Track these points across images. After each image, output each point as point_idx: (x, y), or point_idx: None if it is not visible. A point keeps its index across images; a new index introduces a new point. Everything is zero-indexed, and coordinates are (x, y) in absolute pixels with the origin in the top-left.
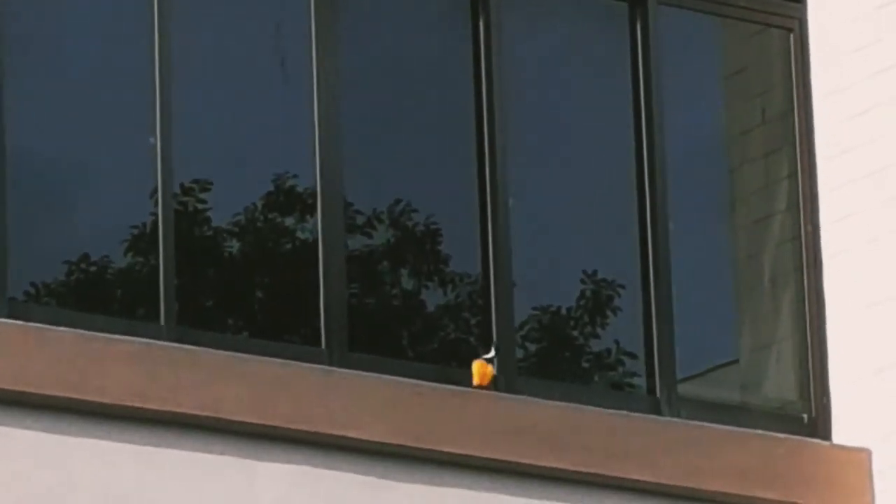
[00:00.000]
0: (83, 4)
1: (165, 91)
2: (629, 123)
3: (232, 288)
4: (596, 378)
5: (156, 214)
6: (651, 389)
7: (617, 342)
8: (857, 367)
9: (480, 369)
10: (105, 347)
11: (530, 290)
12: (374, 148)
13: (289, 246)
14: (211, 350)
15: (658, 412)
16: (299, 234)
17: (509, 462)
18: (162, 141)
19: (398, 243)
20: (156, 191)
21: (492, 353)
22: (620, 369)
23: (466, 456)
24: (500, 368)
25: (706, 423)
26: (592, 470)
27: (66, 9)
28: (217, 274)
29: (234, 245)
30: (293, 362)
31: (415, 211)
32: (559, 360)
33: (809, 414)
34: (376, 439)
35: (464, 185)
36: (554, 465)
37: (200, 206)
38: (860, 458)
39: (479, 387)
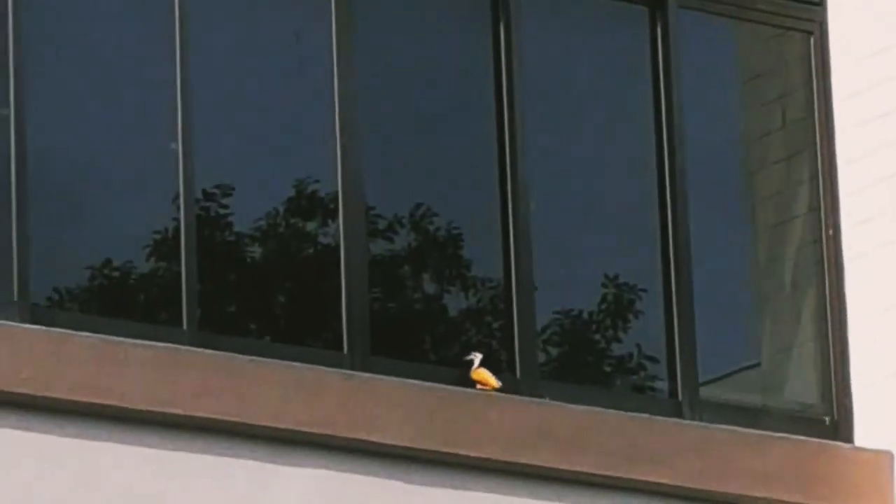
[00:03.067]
0: (105, 11)
1: (187, 97)
2: (650, 127)
3: (254, 292)
4: (618, 382)
5: (178, 220)
6: (673, 393)
7: (639, 346)
8: (878, 369)
9: (479, 377)
10: (127, 352)
11: (552, 293)
12: (395, 152)
13: (311, 251)
14: (233, 354)
15: (680, 415)
16: (321, 239)
17: (531, 465)
18: (184, 146)
19: (420, 247)
20: (178, 196)
21: (474, 360)
22: (642, 373)
23: (488, 459)
24: (522, 372)
25: (728, 427)
26: (614, 473)
27: (89, 16)
28: (239, 279)
29: (256, 250)
30: (315, 366)
31: (436, 215)
32: (581, 363)
33: (831, 416)
34: (398, 443)
35: (485, 189)
36: (576, 468)
37: (222, 212)
38: (882, 461)
39: (495, 389)
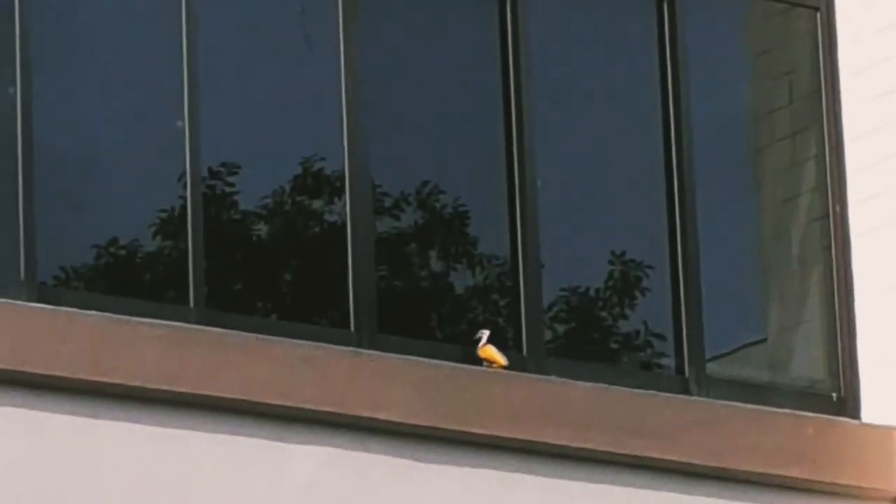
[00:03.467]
0: None
1: (193, 75)
2: (657, 104)
3: (260, 271)
4: (625, 359)
5: (184, 198)
6: (680, 369)
7: (645, 323)
8: (885, 345)
9: (485, 354)
10: (134, 331)
11: (558, 271)
12: (401, 130)
13: (317, 229)
14: (240, 333)
15: (687, 392)
16: (327, 217)
17: (539, 443)
18: (190, 124)
19: (426, 225)
20: (183, 175)
21: (482, 338)
22: (649, 349)
23: (495, 437)
24: (528, 349)
25: (735, 403)
26: (622, 450)
27: None
28: (246, 257)
29: (263, 228)
30: (322, 344)
31: (443, 193)
32: (588, 340)
33: (838, 393)
34: (405, 421)
35: (492, 167)
36: (583, 445)
37: (228, 190)
38: (889, 437)
39: (501, 366)
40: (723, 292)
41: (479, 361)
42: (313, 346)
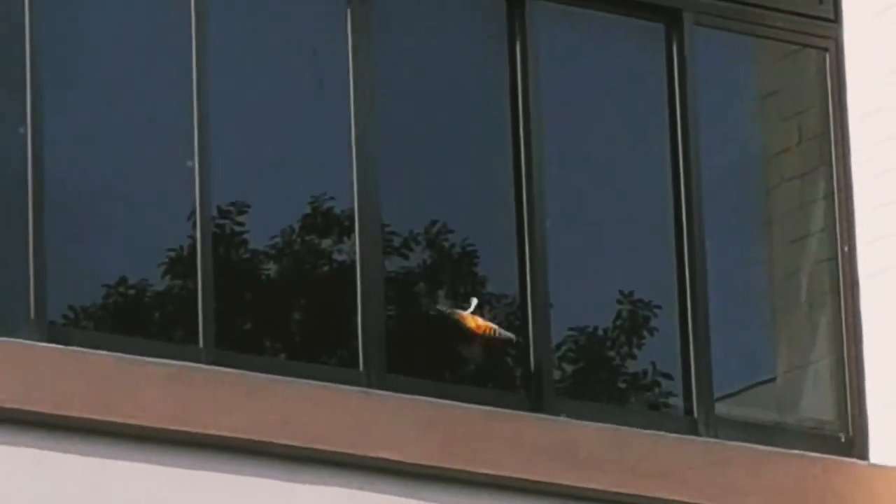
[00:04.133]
0: (122, 30)
1: (203, 114)
2: (666, 143)
3: (269, 310)
4: (633, 398)
5: (193, 237)
6: (688, 410)
7: (653, 363)
8: (894, 387)
9: (472, 322)
10: (143, 370)
11: (566, 310)
12: (410, 169)
13: (326, 268)
14: (249, 372)
15: (695, 432)
16: (336, 256)
17: (547, 483)
18: (200, 164)
19: (435, 265)
20: (192, 213)
21: (472, 306)
22: (657, 389)
23: (504, 477)
24: (537, 389)
25: (743, 444)
26: (630, 490)
27: (106, 34)
28: (254, 296)
29: (272, 267)
30: (331, 384)
31: (451, 232)
32: (596, 380)
33: (846, 433)
34: (415, 461)
35: (501, 207)
36: (592, 485)
37: (238, 229)
38: None
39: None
40: (731, 333)
41: (490, 402)
42: (322, 385)
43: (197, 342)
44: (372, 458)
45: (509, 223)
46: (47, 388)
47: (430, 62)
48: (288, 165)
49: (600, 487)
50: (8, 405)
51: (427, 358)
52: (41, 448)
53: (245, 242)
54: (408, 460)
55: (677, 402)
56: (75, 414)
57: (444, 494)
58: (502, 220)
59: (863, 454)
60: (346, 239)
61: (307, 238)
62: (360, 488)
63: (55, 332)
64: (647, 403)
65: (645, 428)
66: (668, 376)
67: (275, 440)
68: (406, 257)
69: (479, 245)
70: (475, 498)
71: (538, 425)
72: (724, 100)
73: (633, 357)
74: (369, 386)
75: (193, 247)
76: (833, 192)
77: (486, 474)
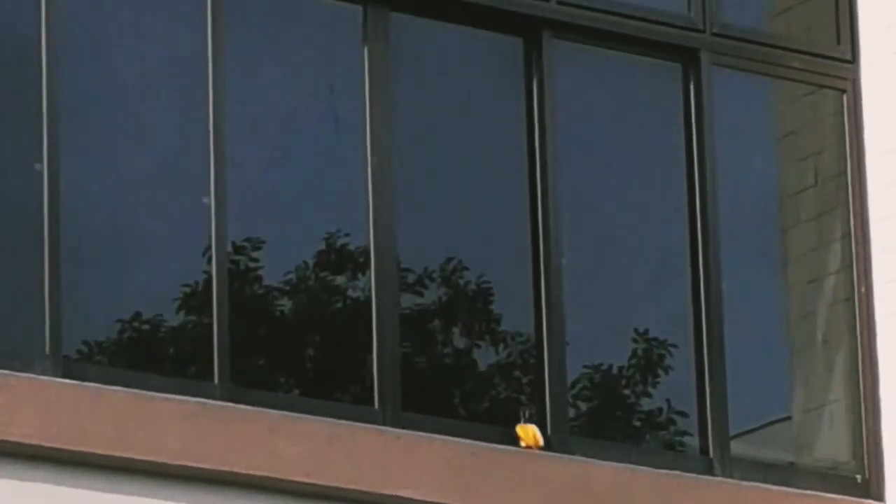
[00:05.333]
0: (138, 67)
1: (219, 151)
2: (682, 183)
3: (284, 347)
4: (648, 437)
5: (208, 273)
6: (704, 450)
7: (668, 401)
8: None
9: (524, 432)
10: (159, 406)
11: (581, 348)
12: (425, 207)
13: (340, 304)
14: (264, 409)
15: (711, 472)
16: (351, 293)
17: None
18: (216, 201)
19: (450, 302)
20: (208, 249)
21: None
22: (672, 428)
23: None
24: (552, 428)
25: (759, 484)
26: None
27: (122, 70)
28: (269, 333)
29: (287, 303)
30: (346, 421)
31: (466, 269)
32: (611, 419)
33: (863, 475)
34: (430, 499)
35: (516, 244)
36: None
37: (252, 265)
38: None
39: (535, 447)
40: (748, 373)
41: (502, 439)
42: (337, 423)
43: (212, 378)
44: (387, 495)
45: (525, 261)
46: (62, 424)
47: (447, 100)
48: (303, 202)
49: None
50: (23, 440)
51: (441, 396)
52: (56, 483)
53: (260, 279)
54: (423, 498)
55: (693, 441)
56: (90, 450)
57: None
58: (518, 258)
59: (879, 495)
60: (360, 276)
61: (321, 274)
62: None
63: (70, 368)
64: (663, 443)
65: (660, 467)
66: (683, 414)
67: (290, 477)
68: (421, 294)
69: (494, 282)
70: None
71: (553, 464)
72: (740, 140)
73: (649, 395)
74: (384, 423)
75: (208, 282)
76: (850, 233)
77: None
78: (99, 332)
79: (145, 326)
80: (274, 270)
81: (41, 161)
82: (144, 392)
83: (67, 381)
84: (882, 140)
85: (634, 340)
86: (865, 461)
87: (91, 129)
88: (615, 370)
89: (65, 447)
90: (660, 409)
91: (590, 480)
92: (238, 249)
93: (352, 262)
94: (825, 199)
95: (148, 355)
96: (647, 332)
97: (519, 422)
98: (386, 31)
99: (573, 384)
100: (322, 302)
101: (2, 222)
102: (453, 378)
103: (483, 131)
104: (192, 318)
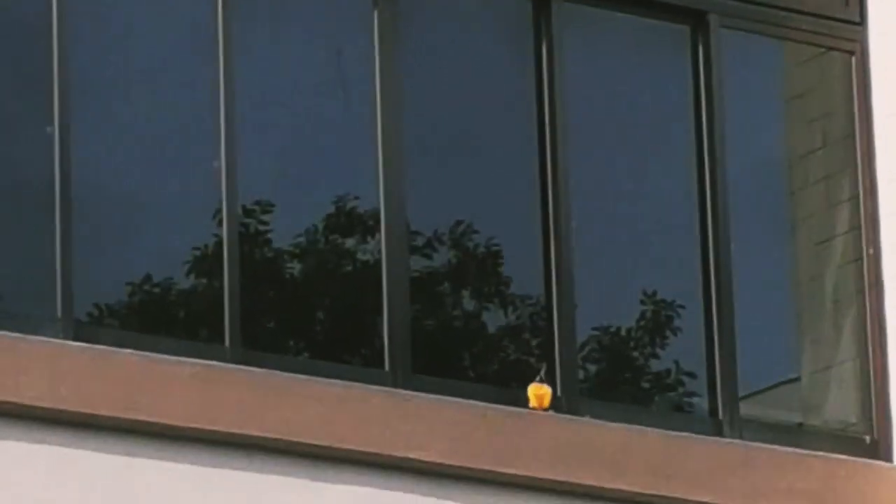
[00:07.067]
0: (148, 30)
1: (230, 115)
2: (691, 145)
3: (295, 309)
4: (657, 399)
5: (218, 236)
6: (713, 411)
7: (677, 363)
8: None
9: (536, 391)
10: (169, 369)
11: (590, 310)
12: (435, 170)
13: (350, 267)
14: (275, 372)
15: (720, 434)
16: (360, 256)
17: (571, 483)
18: (227, 164)
19: (460, 265)
20: (218, 213)
21: (540, 376)
22: (681, 389)
23: (528, 477)
24: (562, 389)
25: (768, 445)
26: (654, 491)
27: (132, 34)
28: (279, 295)
29: (296, 267)
30: (357, 384)
31: (476, 232)
32: (620, 381)
33: (871, 435)
34: (439, 461)
35: (526, 207)
36: (616, 486)
37: (262, 228)
38: None
39: (541, 409)
40: (756, 333)
41: (515, 402)
42: (348, 385)
43: (223, 341)
44: (397, 457)
45: (534, 223)
46: (73, 387)
47: (456, 63)
48: (313, 165)
49: (624, 488)
50: (34, 403)
51: (451, 358)
52: (66, 446)
53: (270, 242)
54: (433, 460)
55: (701, 402)
56: (101, 412)
57: (468, 494)
58: (527, 221)
59: (888, 456)
60: (370, 238)
61: (331, 237)
62: (385, 488)
63: (81, 330)
64: (671, 404)
65: (669, 429)
66: (692, 376)
67: (300, 439)
68: (431, 257)
69: (504, 245)
70: (499, 497)
71: (562, 426)
72: (749, 102)
73: (657, 357)
74: (395, 386)
75: (218, 246)
76: (858, 195)
77: (511, 474)
78: (110, 295)
79: (156, 289)
80: (284, 233)
81: (52, 124)
82: (155, 355)
83: (78, 343)
84: (890, 102)
85: (643, 302)
86: (874, 422)
87: (102, 92)
88: (624, 332)
89: (75, 409)
90: (668, 371)
91: (599, 442)
92: (248, 212)
93: (362, 224)
94: (833, 161)
95: (158, 318)
96: (655, 293)
97: (533, 381)
98: None
99: (582, 346)
100: (332, 265)
101: (13, 186)
102: (463, 340)
103: (492, 94)
104: (203, 281)
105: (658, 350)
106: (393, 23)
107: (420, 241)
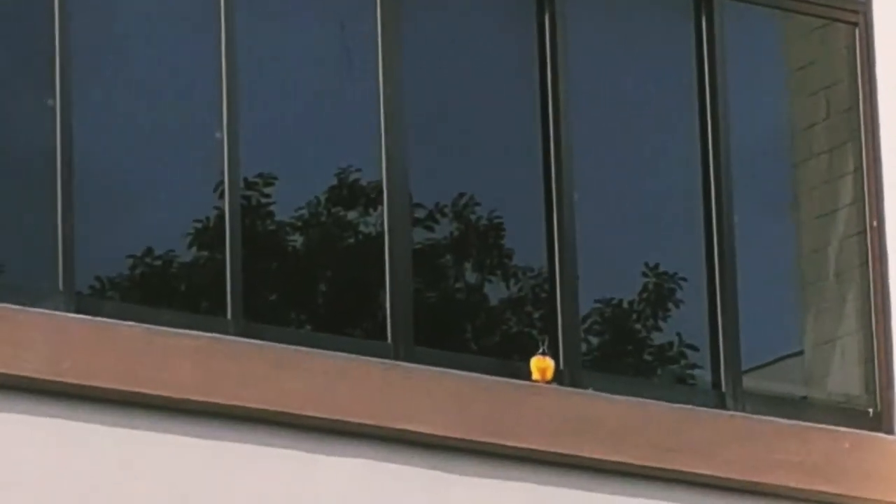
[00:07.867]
0: (149, 3)
1: (232, 87)
2: (694, 117)
3: (297, 282)
4: (660, 371)
5: (220, 208)
6: (716, 383)
7: (679, 335)
8: None
9: (539, 364)
10: (171, 342)
11: (592, 283)
12: (438, 141)
13: (352, 240)
14: (276, 344)
15: (723, 406)
16: (363, 228)
17: (573, 456)
18: (228, 136)
19: (462, 237)
20: (220, 185)
21: (543, 349)
22: (684, 362)
23: (530, 450)
24: (564, 362)
25: (771, 418)
26: (656, 464)
27: (133, 4)
28: (281, 268)
29: (298, 239)
30: (359, 356)
31: (478, 204)
32: (623, 353)
33: (874, 408)
34: (441, 433)
35: (528, 179)
36: (618, 458)
37: (264, 200)
38: None
39: (544, 381)
40: (759, 307)
41: (516, 374)
42: (349, 357)
43: (225, 314)
44: (398, 430)
45: (537, 196)
46: (74, 359)
47: (459, 35)
48: (315, 137)
49: (626, 461)
50: (35, 375)
51: (453, 331)
52: (68, 419)
53: (272, 214)
54: (434, 433)
55: (704, 375)
56: (102, 385)
57: (470, 467)
58: (530, 193)
59: (891, 429)
60: (372, 211)
61: (334, 210)
62: (387, 460)
63: (83, 303)
64: (674, 377)
65: (672, 401)
66: (694, 348)
67: (302, 412)
68: (433, 229)
69: (506, 217)
70: (501, 470)
71: (564, 398)
72: (752, 74)
73: (660, 330)
74: (397, 358)
75: (221, 218)
76: (861, 167)
77: (512, 447)
78: (111, 267)
79: (157, 262)
80: (286, 206)
81: (54, 97)
82: (157, 327)
83: (80, 316)
84: (894, 73)
85: (645, 275)
86: (877, 394)
87: (103, 64)
88: (627, 305)
89: (77, 382)
90: (671, 344)
91: (601, 414)
92: (250, 185)
93: (364, 197)
94: (837, 132)
95: (160, 291)
96: (657, 266)
97: (536, 353)
98: None
99: (585, 318)
100: (334, 237)
101: (15, 158)
102: (465, 313)
103: (495, 66)
104: (205, 253)
105: (661, 323)
106: None
107: (422, 214)
